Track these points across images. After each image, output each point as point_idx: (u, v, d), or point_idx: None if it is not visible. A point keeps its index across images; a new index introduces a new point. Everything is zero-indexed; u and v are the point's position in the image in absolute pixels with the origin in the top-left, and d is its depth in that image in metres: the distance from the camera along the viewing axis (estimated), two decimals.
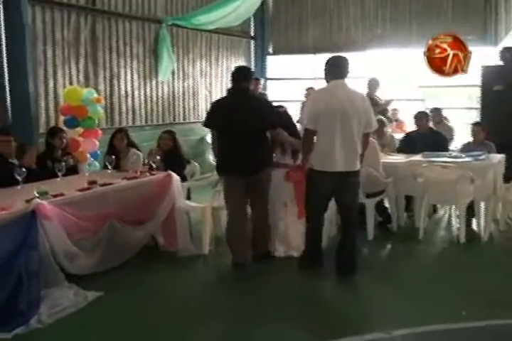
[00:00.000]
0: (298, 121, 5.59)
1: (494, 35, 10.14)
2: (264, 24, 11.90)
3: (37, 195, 4.33)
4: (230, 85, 5.45)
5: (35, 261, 4.06)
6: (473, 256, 5.59)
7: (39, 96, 7.01)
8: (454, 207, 6.66)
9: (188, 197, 6.09)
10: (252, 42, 11.95)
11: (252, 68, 11.60)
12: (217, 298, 4.57)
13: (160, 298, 4.53)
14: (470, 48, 7.99)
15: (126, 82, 8.53)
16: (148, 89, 8.99)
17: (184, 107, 9.96)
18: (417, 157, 6.34)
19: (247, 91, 5.21)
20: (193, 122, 10.07)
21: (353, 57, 10.57)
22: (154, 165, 5.75)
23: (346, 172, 4.75)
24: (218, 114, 5.15)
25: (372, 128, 4.97)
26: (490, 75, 8.82)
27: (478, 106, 9.26)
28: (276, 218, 5.44)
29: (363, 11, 11.11)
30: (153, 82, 9.08)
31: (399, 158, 6.48)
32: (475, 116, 9.52)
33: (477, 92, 9.34)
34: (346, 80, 4.87)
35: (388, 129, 7.73)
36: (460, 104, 10.82)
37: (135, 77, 8.69)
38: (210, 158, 8.15)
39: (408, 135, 7.21)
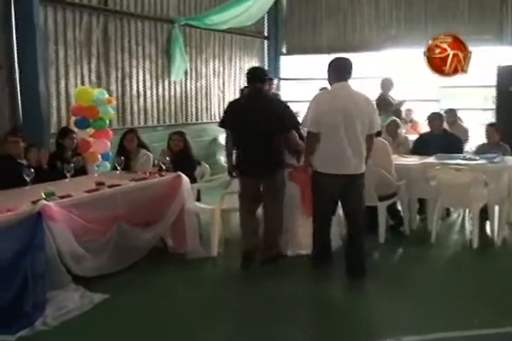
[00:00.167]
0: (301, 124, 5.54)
1: (510, 35, 9.97)
2: (278, 24, 11.84)
3: (43, 196, 4.31)
4: (243, 85, 5.46)
5: (41, 262, 4.04)
6: (486, 261, 5.49)
7: (51, 96, 7.03)
8: (467, 210, 6.55)
9: (198, 199, 6.04)
10: (266, 42, 11.89)
11: (266, 68, 11.58)
12: (226, 300, 4.52)
13: (167, 299, 4.49)
14: (486, 48, 7.88)
15: (138, 82, 8.53)
16: (160, 89, 8.97)
17: (197, 107, 9.93)
18: (431, 159, 6.24)
19: (262, 92, 5.24)
20: (206, 122, 10.05)
21: (368, 58, 10.77)
22: (164, 167, 5.72)
23: (351, 175, 4.71)
24: (232, 115, 5.19)
25: (376, 129, 4.89)
26: (506, 75, 8.70)
27: (494, 106, 9.13)
28: (285, 217, 5.40)
29: (378, 11, 11.00)
30: (166, 82, 9.06)
31: (412, 160, 6.39)
32: (490, 117, 9.38)
33: (493, 93, 9.22)
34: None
35: (402, 130, 7.66)
36: (476, 105, 10.67)
37: (147, 77, 8.67)
38: (222, 159, 8.11)
39: (422, 136, 7.12)
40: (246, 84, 5.57)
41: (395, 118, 7.59)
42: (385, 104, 8.61)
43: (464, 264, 5.39)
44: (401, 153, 6.68)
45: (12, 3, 6.43)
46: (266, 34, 11.84)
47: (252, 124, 5.03)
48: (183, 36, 9.08)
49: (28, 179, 4.81)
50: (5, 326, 3.76)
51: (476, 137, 7.88)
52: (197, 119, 9.93)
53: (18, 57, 6.52)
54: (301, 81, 12.19)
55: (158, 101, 8.95)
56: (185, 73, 9.36)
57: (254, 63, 11.24)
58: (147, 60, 8.64)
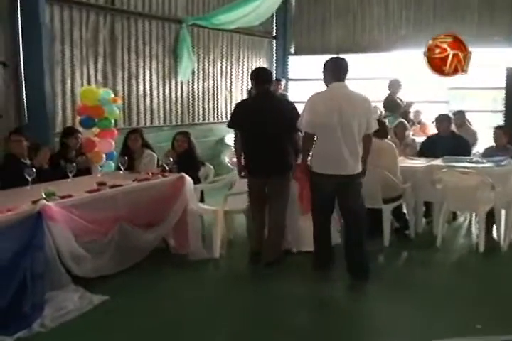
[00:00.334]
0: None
1: None
2: (286, 24, 11.79)
3: (44, 196, 4.29)
4: (250, 86, 5.46)
5: (40, 262, 4.02)
6: (492, 265, 5.40)
7: (56, 95, 7.02)
8: (474, 214, 6.47)
9: (202, 200, 6.01)
10: (274, 42, 11.84)
11: (274, 68, 11.56)
12: (228, 301, 4.48)
13: (168, 301, 4.46)
14: (496, 50, 7.80)
15: (144, 82, 8.50)
16: (167, 89, 8.94)
17: (204, 108, 9.90)
18: (437, 161, 6.17)
19: (270, 92, 5.31)
20: (213, 123, 10.02)
21: (376, 58, 10.68)
22: (167, 167, 5.69)
23: (348, 176, 4.67)
24: (241, 115, 5.23)
25: (372, 129, 4.81)
26: None
27: (503, 108, 9.04)
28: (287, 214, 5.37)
29: (387, 12, 10.94)
30: (173, 82, 9.04)
31: (419, 162, 6.32)
32: (500, 119, 9.29)
33: (502, 94, 9.12)
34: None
35: (410, 132, 7.59)
36: (485, 107, 10.57)
37: (154, 77, 8.65)
38: (226, 159, 8.07)
39: (429, 138, 7.05)
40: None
41: (402, 120, 7.54)
42: (392, 105, 8.56)
43: (470, 268, 5.33)
44: (408, 155, 6.62)
45: (18, 1, 6.42)
46: (274, 34, 11.80)
47: (259, 125, 5.05)
48: (190, 36, 9.05)
49: (29, 178, 4.78)
50: (3, 327, 3.73)
51: (485, 140, 7.79)
52: (204, 119, 9.90)
53: (23, 56, 6.52)
54: (309, 81, 12.11)
55: (164, 101, 8.92)
56: (193, 73, 9.33)
57: (262, 63, 11.21)
58: (154, 59, 8.61)
